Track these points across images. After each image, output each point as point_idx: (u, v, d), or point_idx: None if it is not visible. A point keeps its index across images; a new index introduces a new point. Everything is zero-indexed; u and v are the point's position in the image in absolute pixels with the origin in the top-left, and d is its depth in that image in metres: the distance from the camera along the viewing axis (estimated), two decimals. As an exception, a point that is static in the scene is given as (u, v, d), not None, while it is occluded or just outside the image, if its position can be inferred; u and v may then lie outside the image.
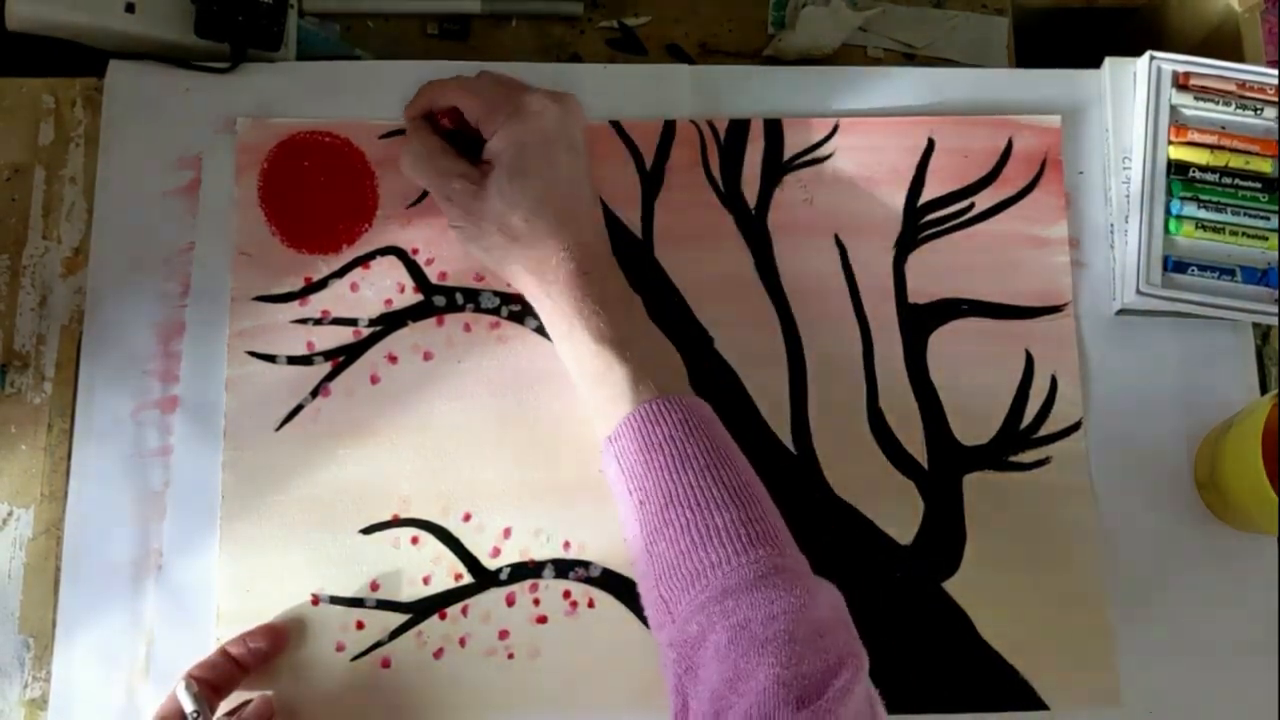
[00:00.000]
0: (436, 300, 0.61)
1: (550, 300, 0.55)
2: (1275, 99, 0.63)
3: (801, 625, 0.45)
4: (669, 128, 0.64)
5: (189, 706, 0.51)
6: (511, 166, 0.55)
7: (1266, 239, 0.62)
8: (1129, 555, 0.60)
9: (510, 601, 0.58)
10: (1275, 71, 0.64)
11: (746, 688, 0.44)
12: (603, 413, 0.53)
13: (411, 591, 0.57)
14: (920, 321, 0.62)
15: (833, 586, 0.49)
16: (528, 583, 0.58)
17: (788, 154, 0.64)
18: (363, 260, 0.61)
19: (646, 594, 0.50)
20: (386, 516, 0.58)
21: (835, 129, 0.64)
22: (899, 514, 0.60)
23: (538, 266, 0.55)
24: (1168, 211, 0.62)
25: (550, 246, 0.55)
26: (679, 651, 0.47)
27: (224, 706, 0.54)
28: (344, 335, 0.60)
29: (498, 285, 0.61)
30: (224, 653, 0.54)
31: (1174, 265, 0.61)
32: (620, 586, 0.58)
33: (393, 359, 0.60)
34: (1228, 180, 0.62)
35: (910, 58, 0.70)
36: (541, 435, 0.59)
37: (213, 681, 0.53)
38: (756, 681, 0.44)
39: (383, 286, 0.61)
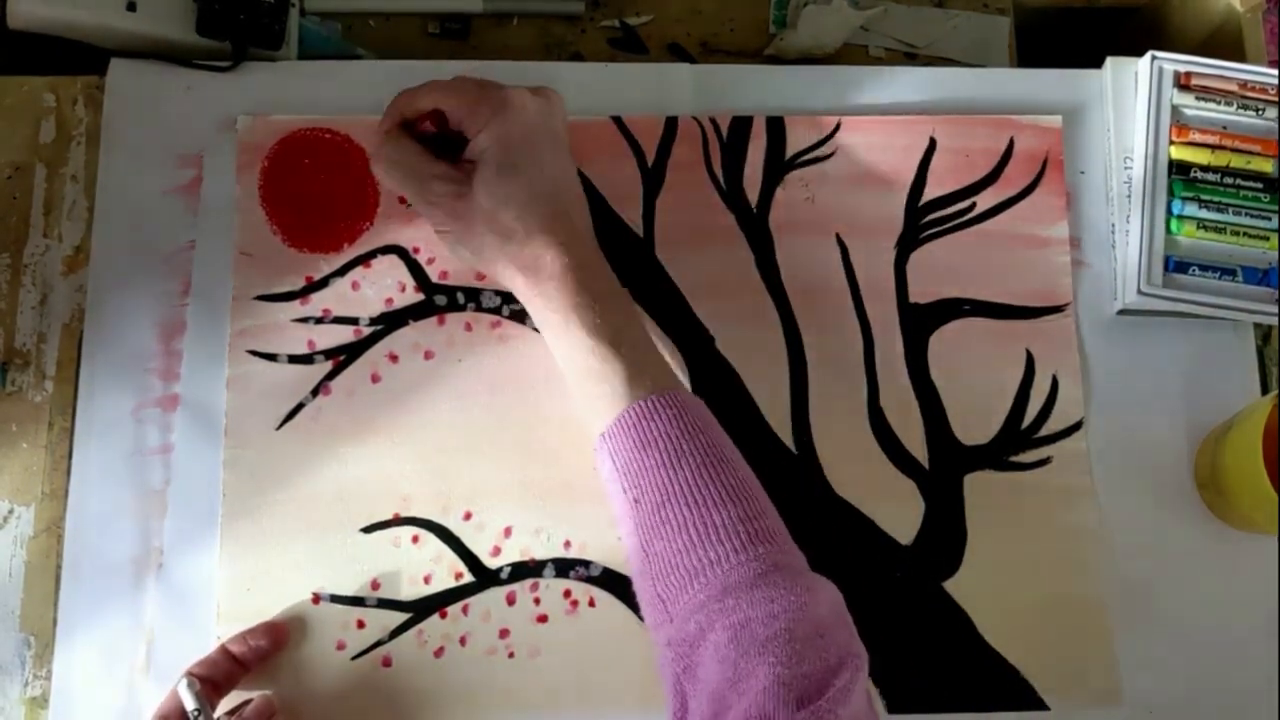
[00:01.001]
0: (437, 299, 0.61)
1: (543, 298, 0.54)
2: (1276, 99, 0.63)
3: (802, 624, 0.45)
4: (671, 125, 0.64)
5: (190, 704, 0.51)
6: (499, 163, 0.54)
7: (1268, 239, 0.62)
8: (1130, 555, 0.60)
9: (511, 600, 0.58)
10: (1276, 71, 0.64)
11: (746, 687, 0.44)
12: (596, 410, 0.52)
13: (412, 590, 0.57)
14: (921, 321, 0.62)
15: (832, 584, 0.49)
16: (528, 582, 0.58)
17: (790, 153, 0.64)
18: (364, 259, 0.61)
19: (643, 592, 0.50)
20: (387, 515, 0.58)
21: (837, 128, 0.64)
22: (899, 514, 0.60)
23: (531, 263, 0.54)
24: (1169, 211, 0.62)
25: (542, 242, 0.53)
26: (677, 651, 0.47)
27: (224, 705, 0.54)
28: (345, 334, 0.60)
29: (499, 284, 0.61)
30: (224, 651, 0.54)
31: (1175, 265, 0.61)
32: (621, 586, 0.58)
33: (394, 358, 0.60)
34: (1229, 180, 0.62)
35: (912, 57, 0.70)
36: (542, 434, 0.59)
37: (213, 679, 0.53)
38: (756, 680, 0.44)
39: (384, 285, 0.61)
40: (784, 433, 0.60)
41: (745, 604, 0.46)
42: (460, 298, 0.61)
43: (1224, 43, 0.70)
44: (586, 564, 0.58)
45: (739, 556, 0.47)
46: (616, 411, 0.51)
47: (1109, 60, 0.66)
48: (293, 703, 0.56)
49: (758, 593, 0.46)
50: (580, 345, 0.52)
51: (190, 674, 0.52)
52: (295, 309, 0.61)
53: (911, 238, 0.63)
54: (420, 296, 0.61)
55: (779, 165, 0.64)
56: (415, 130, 0.58)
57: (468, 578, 0.58)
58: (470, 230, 0.55)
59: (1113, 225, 0.64)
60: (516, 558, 0.58)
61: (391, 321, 0.61)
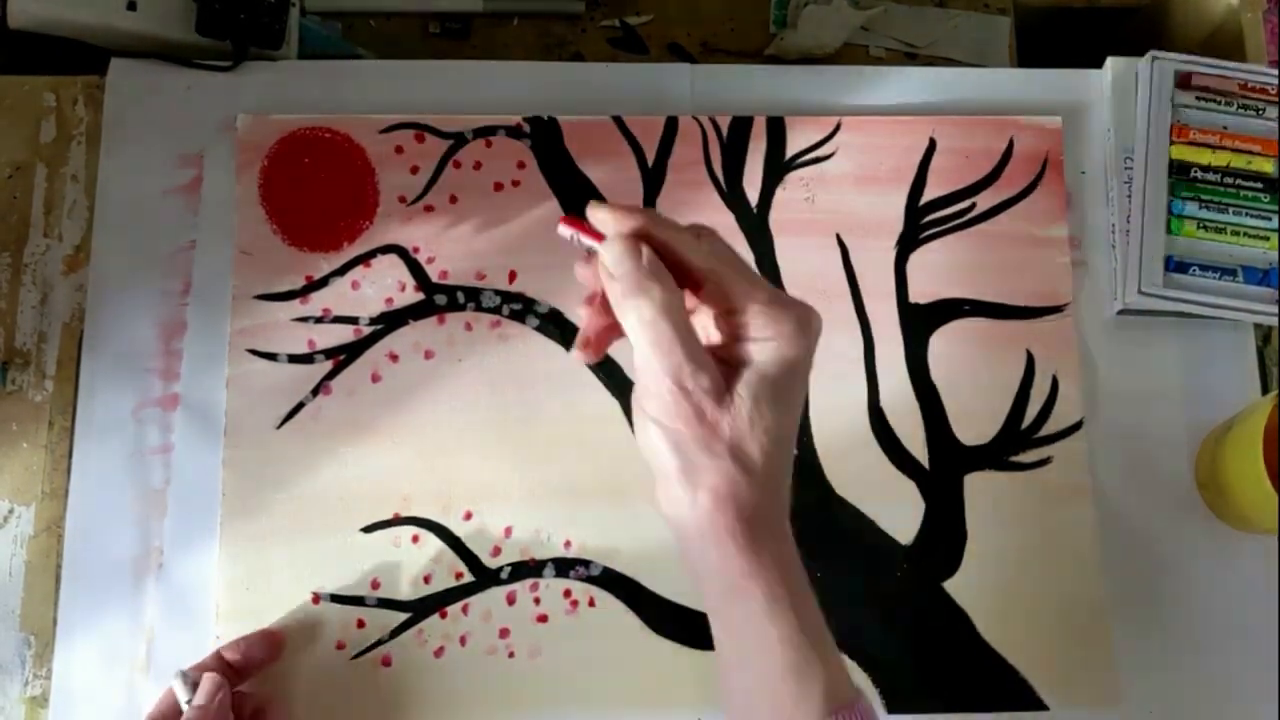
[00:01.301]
0: (437, 299, 0.61)
1: (757, 563, 0.43)
2: (1277, 99, 0.63)
3: None
4: (671, 124, 0.64)
5: (183, 696, 0.51)
6: (775, 389, 0.43)
7: (1268, 239, 0.62)
8: (1129, 555, 0.60)
9: (511, 600, 0.58)
10: (1277, 72, 0.64)
11: None
12: (771, 705, 0.44)
13: (412, 590, 0.57)
14: (921, 321, 0.62)
15: None
16: (528, 581, 0.58)
17: (790, 153, 0.64)
18: (364, 258, 0.61)
19: None
20: (387, 515, 0.58)
21: (837, 128, 0.64)
22: (900, 513, 0.60)
23: (758, 516, 0.43)
24: (1169, 211, 0.62)
25: (770, 490, 0.43)
26: None
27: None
28: (345, 334, 0.60)
29: (499, 284, 0.61)
30: (219, 657, 0.54)
31: (1175, 265, 0.61)
32: (621, 586, 0.58)
33: (394, 357, 0.60)
34: (1229, 180, 0.62)
35: (912, 57, 0.70)
36: (542, 434, 0.59)
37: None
38: None
39: (384, 285, 0.61)
40: (784, 432, 0.60)
41: None
42: (460, 297, 0.61)
43: (1224, 43, 0.70)
44: (586, 564, 0.58)
45: None
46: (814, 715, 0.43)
47: (1109, 60, 0.66)
48: (292, 702, 0.56)
49: None
50: (781, 633, 0.43)
51: (183, 670, 0.53)
52: (295, 308, 0.61)
53: (912, 238, 0.63)
54: (420, 296, 0.61)
55: (779, 165, 0.64)
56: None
57: (468, 577, 0.58)
58: (707, 447, 0.43)
59: (1113, 225, 0.64)
60: (516, 557, 0.58)
61: (391, 321, 0.61)
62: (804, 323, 0.44)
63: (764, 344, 0.43)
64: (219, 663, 0.54)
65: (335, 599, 0.57)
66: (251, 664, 0.54)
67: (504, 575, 0.58)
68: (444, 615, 0.57)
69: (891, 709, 0.57)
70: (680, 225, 0.44)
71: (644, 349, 0.43)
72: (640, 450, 0.45)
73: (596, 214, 0.44)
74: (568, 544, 0.58)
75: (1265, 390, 0.63)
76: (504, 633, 0.57)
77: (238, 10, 0.62)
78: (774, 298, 0.44)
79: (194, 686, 0.52)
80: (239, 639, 0.55)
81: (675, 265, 0.43)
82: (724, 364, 0.44)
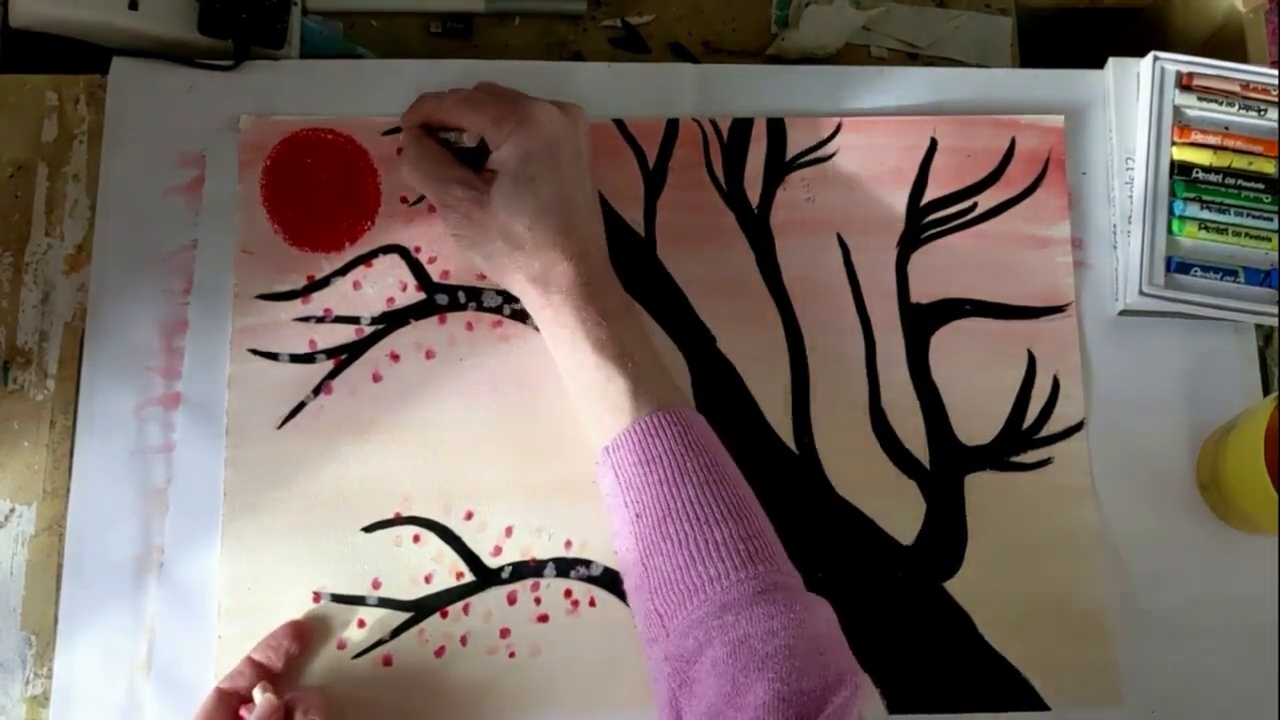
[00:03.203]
0: (439, 299, 0.61)
1: (551, 310, 0.55)
2: (1278, 100, 0.63)
3: (801, 641, 0.45)
4: (672, 126, 0.64)
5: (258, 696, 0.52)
6: (517, 174, 0.55)
7: (1269, 240, 0.62)
8: (1131, 556, 0.60)
9: (511, 600, 0.58)
10: (1278, 72, 0.64)
11: (744, 702, 0.44)
12: (600, 424, 0.53)
13: (413, 590, 0.58)
14: (922, 321, 0.62)
15: (828, 604, 0.49)
16: (529, 581, 0.58)
17: (790, 153, 0.64)
18: (365, 258, 0.62)
19: (639, 607, 0.50)
20: (388, 514, 0.58)
21: (838, 128, 0.64)
22: (900, 514, 0.60)
23: (540, 275, 0.55)
24: (1171, 212, 0.62)
25: (553, 256, 0.54)
26: (674, 665, 0.47)
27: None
28: (346, 333, 0.60)
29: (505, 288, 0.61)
30: (249, 661, 0.54)
31: (1177, 266, 0.61)
32: (621, 586, 0.58)
33: (395, 357, 0.60)
34: (1231, 181, 0.62)
35: (913, 57, 0.70)
36: (543, 434, 0.60)
37: (240, 691, 0.53)
38: (755, 696, 0.44)
39: (385, 285, 0.61)
40: (785, 433, 0.60)
41: (744, 620, 0.46)
42: (461, 297, 0.61)
43: (1226, 43, 0.70)
44: (587, 564, 0.58)
45: (738, 574, 0.47)
46: (620, 427, 0.52)
47: (1111, 61, 0.66)
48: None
49: (757, 610, 0.46)
50: (586, 360, 0.53)
51: (219, 688, 0.53)
52: (297, 308, 0.61)
53: (913, 238, 0.63)
54: (421, 296, 0.61)
55: (780, 166, 0.64)
56: (434, 132, 0.59)
57: (469, 577, 0.58)
58: (484, 237, 0.56)
59: (1114, 226, 0.64)
60: (517, 557, 0.58)
61: (393, 321, 0.61)
62: (519, 119, 0.55)
63: (499, 151, 0.56)
64: (249, 667, 0.54)
65: (336, 598, 0.57)
66: (284, 659, 0.55)
67: (505, 575, 0.58)
68: (445, 615, 0.57)
69: (892, 709, 0.57)
70: (439, 95, 0.58)
71: (425, 194, 0.59)
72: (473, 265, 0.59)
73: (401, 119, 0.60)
74: (569, 544, 0.58)
75: (1266, 391, 0.63)
76: (505, 632, 0.57)
77: (239, 10, 0.62)
78: (497, 115, 0.56)
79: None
80: (266, 638, 0.55)
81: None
82: (489, 176, 0.56)
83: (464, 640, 0.57)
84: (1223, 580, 0.60)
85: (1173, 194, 0.62)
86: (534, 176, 0.55)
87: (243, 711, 0.53)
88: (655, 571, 0.49)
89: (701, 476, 0.50)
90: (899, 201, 0.64)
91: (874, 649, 0.57)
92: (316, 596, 0.57)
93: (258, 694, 0.52)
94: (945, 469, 0.60)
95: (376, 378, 0.60)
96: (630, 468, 0.51)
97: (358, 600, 0.57)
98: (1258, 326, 0.63)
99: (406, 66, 0.64)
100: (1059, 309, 0.63)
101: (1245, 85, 0.64)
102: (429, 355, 0.60)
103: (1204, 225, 0.62)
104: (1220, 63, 0.64)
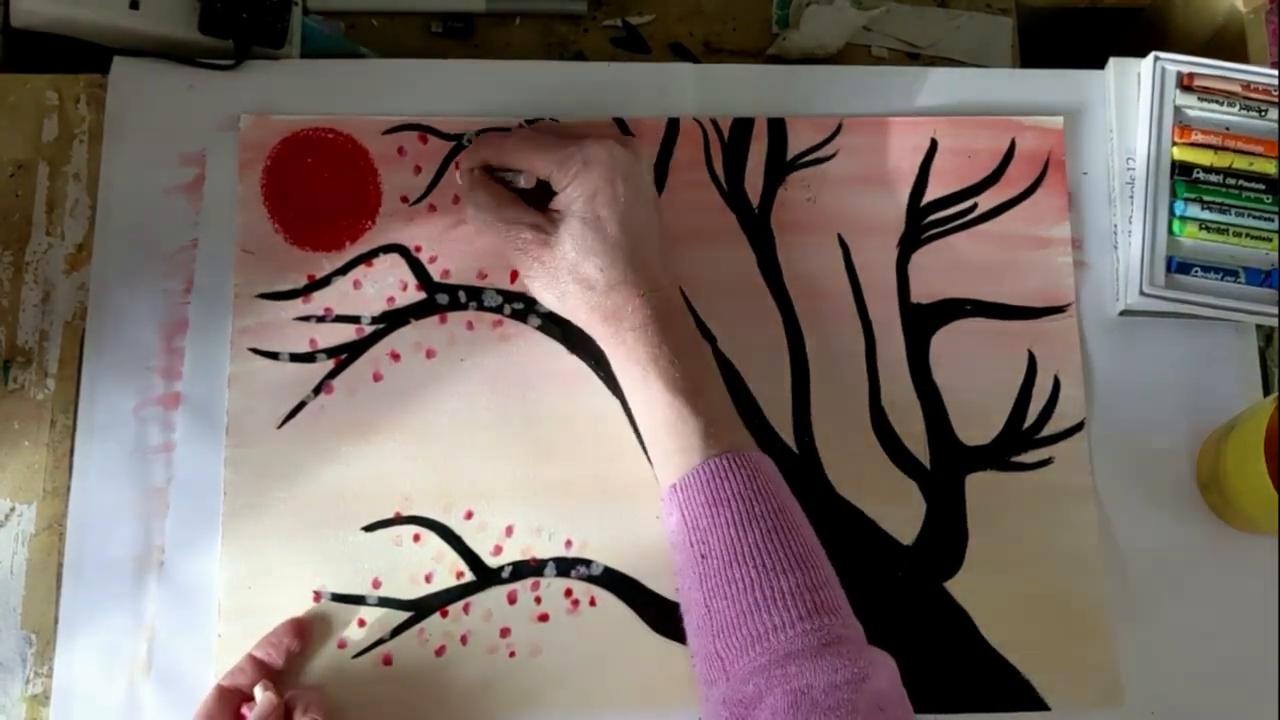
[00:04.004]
0: (439, 298, 0.61)
1: (625, 347, 0.54)
2: (1278, 100, 0.63)
3: (863, 696, 0.45)
4: (673, 126, 0.64)
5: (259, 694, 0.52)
6: (585, 215, 0.55)
7: (1270, 240, 0.62)
8: (1131, 555, 0.60)
9: (512, 599, 0.58)
10: (1278, 73, 0.64)
11: None
12: (669, 462, 0.53)
13: (413, 589, 0.57)
14: (923, 321, 0.62)
15: (891, 659, 0.49)
16: (529, 581, 0.58)
17: (791, 153, 0.64)
18: (365, 258, 0.62)
19: (700, 648, 0.50)
20: (388, 514, 0.58)
21: (839, 128, 0.64)
22: (901, 513, 0.60)
23: (613, 313, 0.54)
24: (1171, 212, 0.62)
25: (625, 293, 0.54)
26: (732, 710, 0.47)
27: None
28: (346, 333, 0.60)
29: (501, 283, 0.61)
30: (251, 659, 0.54)
31: (1177, 266, 0.61)
32: (622, 585, 0.58)
33: (395, 357, 0.60)
34: (1231, 181, 0.62)
35: (914, 57, 0.70)
36: (544, 433, 0.60)
37: (242, 689, 0.53)
38: None
39: (385, 284, 0.61)
40: (785, 432, 0.60)
41: (808, 671, 0.46)
42: (462, 296, 0.61)
43: (1227, 44, 0.70)
44: (588, 563, 0.58)
45: (803, 624, 0.47)
46: (690, 466, 0.52)
47: (1111, 61, 0.66)
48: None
49: (821, 662, 0.46)
50: (658, 398, 0.53)
51: (220, 685, 0.53)
52: (297, 307, 0.61)
53: (913, 238, 0.63)
54: (422, 295, 0.61)
55: (780, 166, 0.64)
56: (495, 172, 0.59)
57: (469, 577, 0.58)
58: (555, 278, 0.56)
59: (1115, 226, 0.64)
60: (517, 557, 0.58)
61: (393, 320, 0.61)
62: (585, 160, 0.56)
63: (565, 192, 0.56)
64: (251, 664, 0.54)
65: (336, 598, 0.57)
66: (285, 656, 0.55)
67: (505, 574, 0.58)
68: (445, 614, 0.57)
69: (892, 709, 0.57)
70: (498, 138, 0.59)
71: (489, 234, 0.59)
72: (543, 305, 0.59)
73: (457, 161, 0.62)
74: (569, 543, 0.58)
75: (1267, 391, 0.63)
76: (505, 632, 0.57)
77: (240, 9, 0.62)
78: (561, 158, 0.56)
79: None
80: (267, 636, 0.55)
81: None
82: (556, 217, 0.56)
83: (464, 640, 0.57)
84: (1222, 580, 0.60)
85: (1173, 194, 0.62)
86: (601, 215, 0.55)
87: (244, 709, 0.53)
88: (719, 614, 0.49)
89: (769, 522, 0.50)
90: (900, 202, 0.64)
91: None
92: (317, 596, 0.57)
93: (258, 691, 0.52)
94: (946, 469, 0.60)
95: (377, 377, 0.60)
96: (698, 508, 0.51)
97: (358, 600, 0.57)
98: (1258, 327, 0.63)
99: (407, 66, 0.64)
100: (1059, 309, 0.63)
101: (1246, 86, 0.64)
102: (429, 355, 0.60)
103: (1204, 225, 0.62)
104: (1221, 63, 0.64)
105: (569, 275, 0.55)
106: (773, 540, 0.49)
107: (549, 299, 0.57)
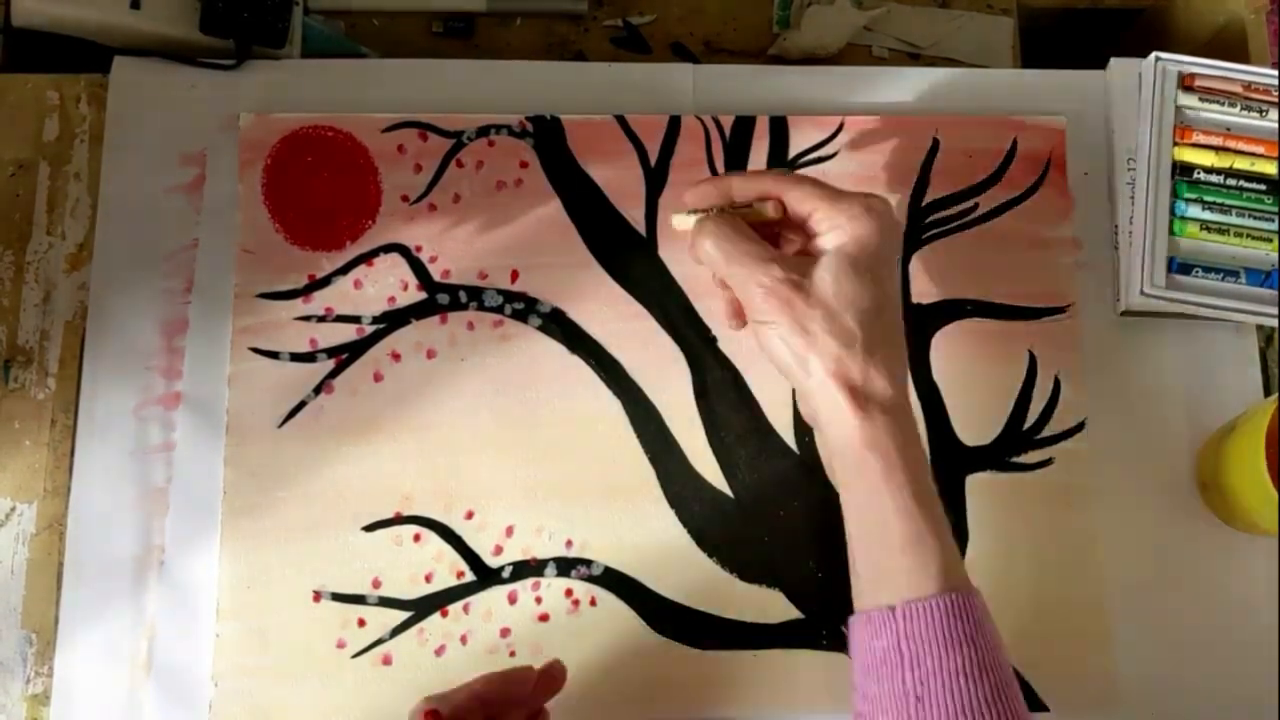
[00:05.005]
0: (440, 298, 0.61)
1: (871, 429, 0.47)
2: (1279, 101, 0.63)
3: None
4: (674, 124, 0.64)
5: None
6: (856, 263, 0.49)
7: (1270, 241, 0.62)
8: (1131, 556, 0.60)
9: (512, 599, 0.58)
10: (1279, 73, 0.64)
11: None
12: (890, 580, 0.47)
13: (413, 589, 0.57)
14: (923, 321, 0.62)
15: None
16: (530, 581, 0.58)
17: (792, 152, 0.64)
18: (366, 257, 0.62)
19: None
20: (389, 514, 0.58)
21: (840, 128, 0.64)
22: (901, 514, 0.59)
23: (864, 385, 0.48)
24: (1172, 213, 0.62)
25: (877, 363, 0.48)
26: None
27: None
28: (347, 332, 0.60)
29: (501, 283, 0.61)
30: (471, 692, 0.49)
31: (1178, 267, 0.61)
32: (622, 585, 0.58)
33: (396, 357, 0.60)
34: (1232, 182, 0.62)
35: (915, 58, 0.70)
36: (544, 434, 0.59)
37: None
38: None
39: (386, 284, 0.61)
40: (785, 432, 0.60)
41: None
42: (463, 296, 0.61)
43: (1228, 44, 0.70)
44: (588, 563, 0.58)
45: None
46: (922, 594, 0.46)
47: (1112, 61, 0.66)
48: (292, 702, 0.56)
49: None
50: (900, 504, 0.47)
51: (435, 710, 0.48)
52: (298, 307, 0.61)
53: (914, 238, 0.63)
54: (422, 295, 0.61)
55: (782, 165, 0.64)
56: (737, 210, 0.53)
57: (469, 576, 0.58)
58: (804, 327, 0.48)
59: (1116, 226, 0.64)
60: (518, 557, 0.58)
61: (394, 320, 0.61)
62: (867, 206, 0.50)
63: (831, 233, 0.50)
64: (476, 706, 0.49)
65: (336, 597, 0.57)
66: (509, 702, 0.50)
67: (505, 574, 0.58)
68: (445, 614, 0.57)
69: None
70: (750, 173, 0.57)
71: (725, 274, 0.51)
72: (771, 362, 0.51)
73: (685, 198, 0.55)
74: (569, 543, 0.58)
75: (1267, 392, 0.63)
76: (505, 632, 0.57)
77: (241, 9, 0.62)
78: (836, 195, 0.51)
79: None
80: (505, 673, 0.50)
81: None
82: (808, 261, 0.50)
83: (464, 639, 0.57)
84: (1223, 580, 0.60)
85: (1174, 195, 0.62)
86: (872, 269, 0.49)
87: None
88: None
89: (997, 677, 0.45)
90: (900, 202, 0.64)
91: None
92: (317, 596, 0.57)
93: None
94: (946, 469, 0.60)
95: (377, 377, 0.60)
96: (923, 644, 0.45)
97: (358, 599, 0.57)
98: (1259, 327, 0.63)
99: (408, 66, 0.64)
100: (1060, 309, 0.63)
101: (1247, 86, 0.64)
102: (430, 355, 0.60)
103: (1205, 226, 0.62)
104: (1222, 63, 0.64)
105: (821, 326, 0.48)
106: (1000, 699, 0.45)
107: (782, 354, 0.49)
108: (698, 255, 0.53)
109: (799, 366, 0.49)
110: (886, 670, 0.46)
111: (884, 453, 0.47)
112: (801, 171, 0.56)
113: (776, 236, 0.54)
